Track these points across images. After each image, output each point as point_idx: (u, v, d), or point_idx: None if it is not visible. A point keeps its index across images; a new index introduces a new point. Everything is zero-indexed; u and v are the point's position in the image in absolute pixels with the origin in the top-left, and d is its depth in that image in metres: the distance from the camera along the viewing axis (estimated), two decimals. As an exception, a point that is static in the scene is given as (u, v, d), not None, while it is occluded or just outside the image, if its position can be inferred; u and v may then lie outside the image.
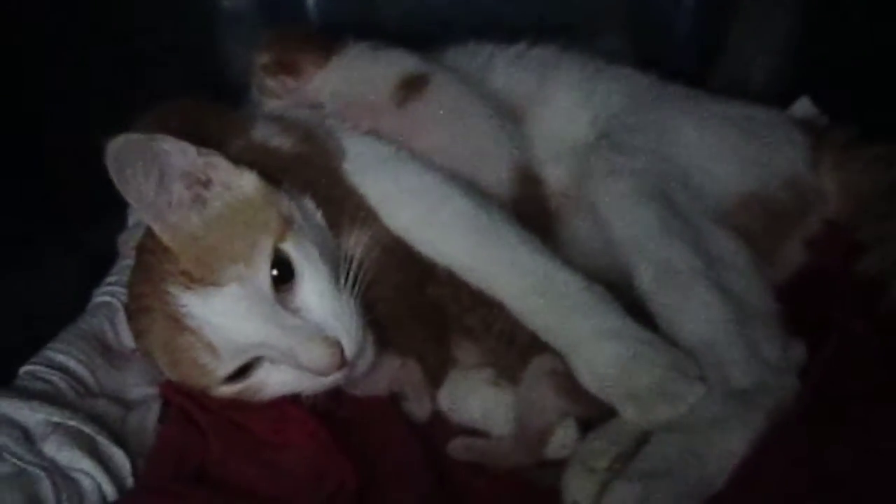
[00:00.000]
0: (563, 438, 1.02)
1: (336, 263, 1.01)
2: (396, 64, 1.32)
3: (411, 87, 1.28)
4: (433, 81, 1.29)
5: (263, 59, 1.36)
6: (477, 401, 1.08)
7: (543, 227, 1.20)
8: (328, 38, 1.38)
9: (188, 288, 0.93)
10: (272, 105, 1.36)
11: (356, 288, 1.00)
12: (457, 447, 1.06)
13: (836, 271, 1.15)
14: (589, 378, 0.99)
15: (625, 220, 1.09)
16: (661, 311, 1.02)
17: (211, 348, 0.94)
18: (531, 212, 1.21)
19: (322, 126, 1.19)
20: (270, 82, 1.35)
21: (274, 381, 0.99)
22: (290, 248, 0.96)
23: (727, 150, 1.17)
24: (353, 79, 1.32)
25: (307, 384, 0.99)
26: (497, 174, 1.23)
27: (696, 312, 1.00)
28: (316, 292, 0.97)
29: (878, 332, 1.02)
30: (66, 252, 1.24)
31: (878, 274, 1.09)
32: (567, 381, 1.00)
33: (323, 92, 1.33)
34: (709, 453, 0.90)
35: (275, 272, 0.95)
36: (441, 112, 1.26)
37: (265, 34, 1.41)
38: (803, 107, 1.47)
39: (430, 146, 1.20)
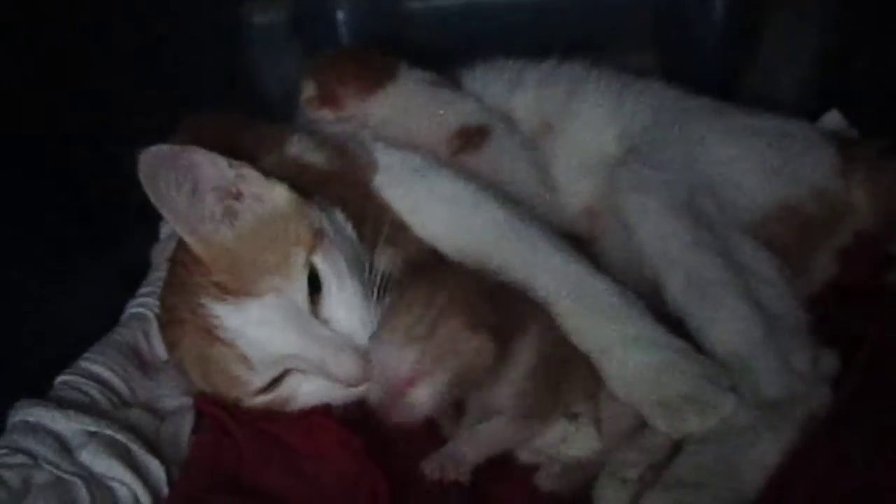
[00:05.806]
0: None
1: (365, 276, 1.01)
2: (457, 110, 1.32)
3: (470, 139, 1.28)
4: (493, 138, 1.29)
5: (307, 91, 1.35)
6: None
7: None
8: (379, 62, 1.37)
9: (221, 299, 0.94)
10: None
11: (386, 300, 1.00)
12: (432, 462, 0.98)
13: (867, 283, 1.15)
14: (619, 384, 0.99)
15: (654, 234, 1.08)
16: (691, 322, 1.02)
17: (244, 360, 0.94)
18: None
19: (355, 138, 1.20)
20: (315, 115, 1.35)
21: (304, 391, 0.99)
22: (320, 260, 0.97)
23: (755, 161, 1.17)
24: (408, 112, 1.32)
25: (337, 395, 0.99)
26: None
27: (726, 324, 1.00)
28: (345, 304, 0.97)
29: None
30: (100, 264, 1.26)
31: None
32: None
33: (371, 119, 1.32)
34: (741, 464, 0.90)
35: (306, 283, 0.96)
36: (492, 173, 1.24)
37: (308, 62, 1.41)
38: (832, 119, 1.47)
39: None
